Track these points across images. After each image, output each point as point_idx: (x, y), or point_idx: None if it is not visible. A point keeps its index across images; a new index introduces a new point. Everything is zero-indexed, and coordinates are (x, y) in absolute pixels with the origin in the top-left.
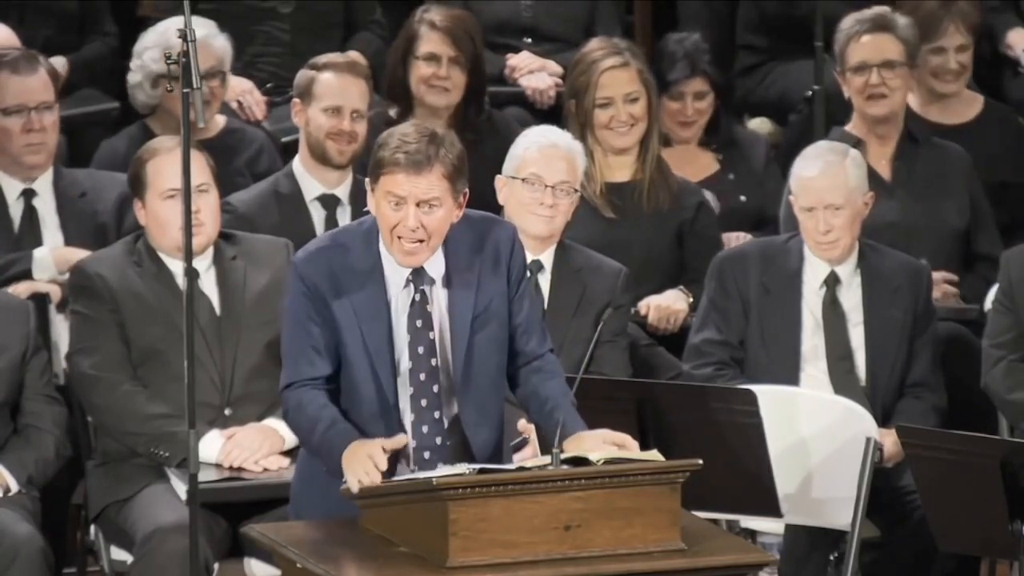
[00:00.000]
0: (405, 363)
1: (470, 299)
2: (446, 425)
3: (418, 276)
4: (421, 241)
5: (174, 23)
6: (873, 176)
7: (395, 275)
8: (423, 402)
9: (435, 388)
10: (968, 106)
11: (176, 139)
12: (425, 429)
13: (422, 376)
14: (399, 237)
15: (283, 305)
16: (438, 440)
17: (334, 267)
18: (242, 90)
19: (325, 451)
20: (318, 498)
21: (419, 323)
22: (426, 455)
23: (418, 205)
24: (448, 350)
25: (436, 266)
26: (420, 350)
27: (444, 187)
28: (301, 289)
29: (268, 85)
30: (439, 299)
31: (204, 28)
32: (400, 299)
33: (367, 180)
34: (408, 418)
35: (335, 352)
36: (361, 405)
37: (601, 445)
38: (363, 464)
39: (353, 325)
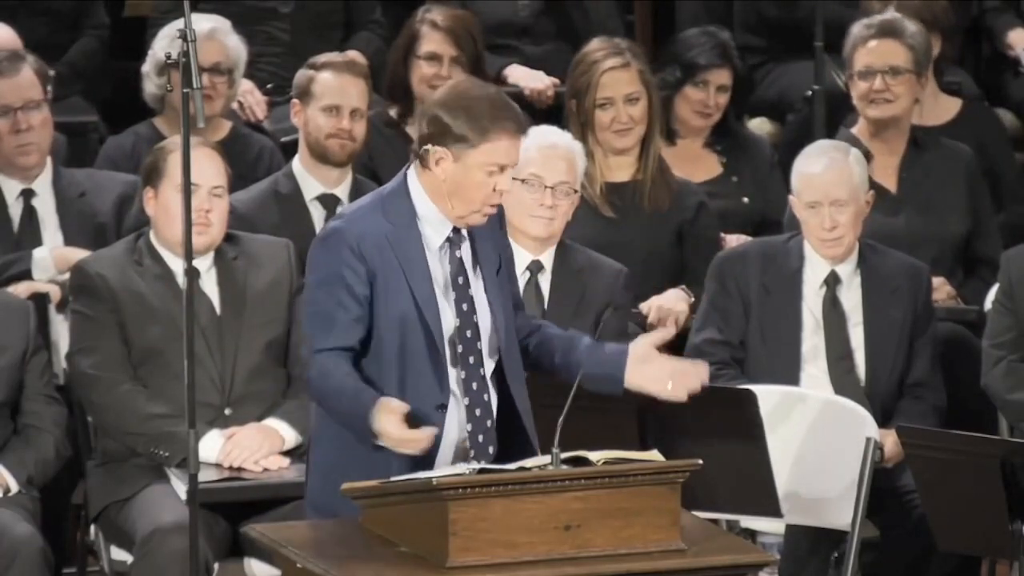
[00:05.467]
0: (450, 320)
1: (491, 254)
2: (489, 382)
3: (457, 235)
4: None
5: (193, 19)
6: (878, 190)
7: (434, 235)
8: (471, 359)
9: (478, 344)
10: (944, 108)
11: (202, 138)
12: (475, 386)
13: (468, 332)
14: (490, 204)
15: (312, 269)
16: (485, 396)
17: (377, 226)
18: (243, 90)
19: (351, 418)
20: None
21: (461, 280)
22: (477, 412)
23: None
24: (483, 303)
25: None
26: (464, 307)
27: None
28: (344, 252)
29: (268, 85)
30: (467, 256)
31: (215, 23)
32: (436, 258)
33: (437, 148)
34: (460, 375)
35: (366, 324)
36: (411, 363)
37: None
38: (402, 442)
39: (402, 282)
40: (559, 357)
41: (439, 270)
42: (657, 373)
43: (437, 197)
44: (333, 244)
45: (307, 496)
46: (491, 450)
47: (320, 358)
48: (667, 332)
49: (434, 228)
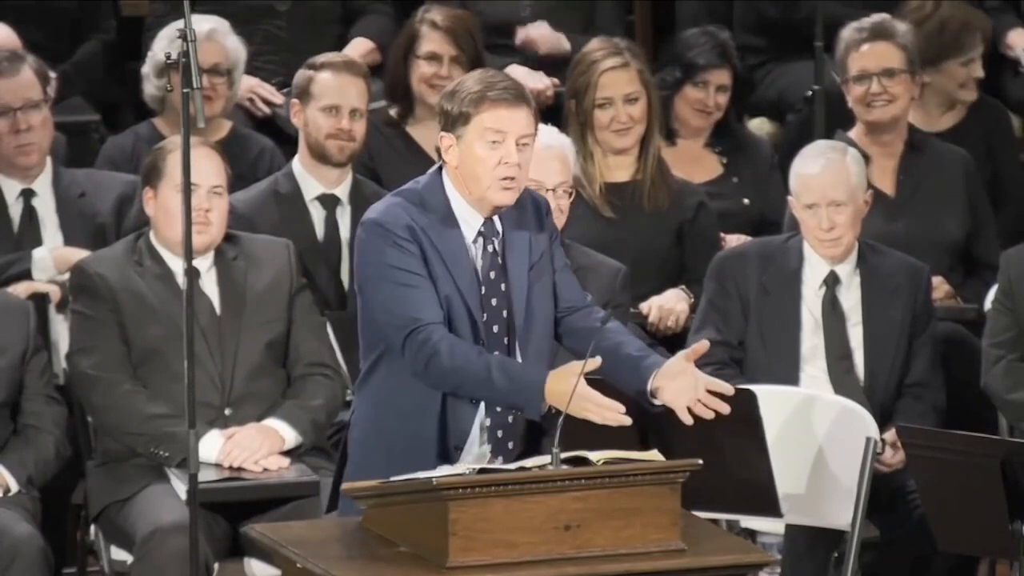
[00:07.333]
0: (478, 314)
1: (525, 250)
2: None
3: (489, 228)
4: (515, 179)
5: (192, 20)
6: (876, 194)
7: (466, 228)
8: (496, 353)
9: (505, 340)
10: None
11: (201, 138)
12: None
13: (495, 328)
14: (501, 178)
15: (367, 257)
16: None
17: (413, 217)
18: (250, 86)
19: (510, 387)
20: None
21: (492, 275)
22: (498, 407)
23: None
24: (511, 300)
25: (498, 219)
26: (493, 302)
27: (533, 127)
28: (392, 239)
29: (275, 80)
30: (500, 251)
31: (214, 23)
32: (469, 253)
33: (444, 135)
34: None
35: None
36: None
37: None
38: (588, 407)
39: (444, 271)
40: (596, 344)
41: (473, 264)
42: (684, 386)
43: (460, 187)
44: (385, 229)
45: (340, 497)
46: (511, 446)
47: (428, 333)
48: (703, 345)
49: (465, 223)
